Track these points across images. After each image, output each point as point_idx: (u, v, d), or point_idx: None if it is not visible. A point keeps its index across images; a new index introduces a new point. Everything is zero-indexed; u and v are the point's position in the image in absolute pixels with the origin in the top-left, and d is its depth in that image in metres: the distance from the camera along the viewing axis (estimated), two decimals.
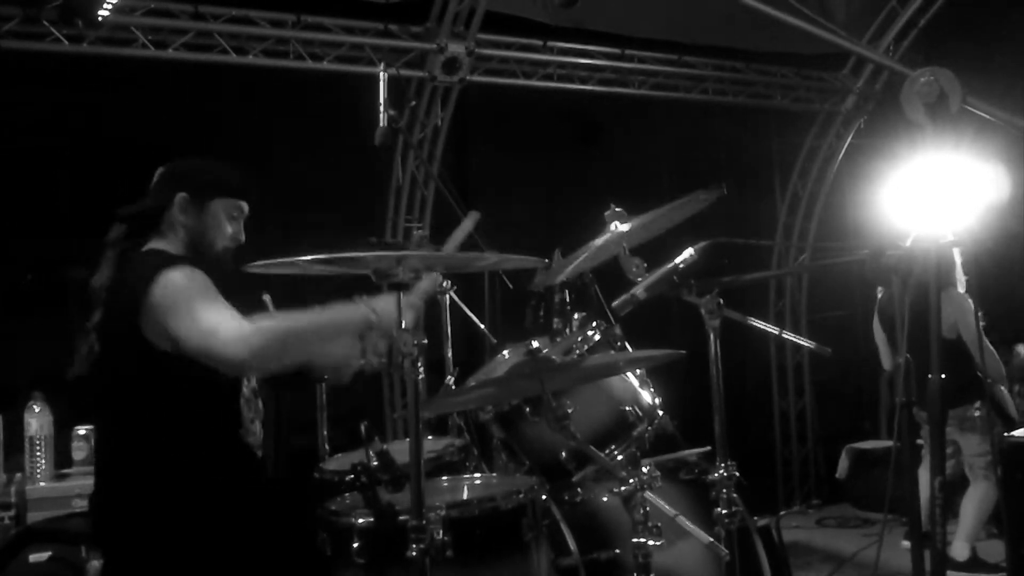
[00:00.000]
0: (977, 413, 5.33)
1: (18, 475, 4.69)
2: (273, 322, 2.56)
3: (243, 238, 2.89)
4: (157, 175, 2.90)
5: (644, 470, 2.48)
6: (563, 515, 2.89)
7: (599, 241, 3.06)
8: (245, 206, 2.89)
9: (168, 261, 2.64)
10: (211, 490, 2.63)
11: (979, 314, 5.26)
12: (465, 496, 2.78)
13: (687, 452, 3.36)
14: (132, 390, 2.64)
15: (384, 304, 2.55)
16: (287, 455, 4.33)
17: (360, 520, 2.47)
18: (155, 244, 2.78)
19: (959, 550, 5.31)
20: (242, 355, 2.43)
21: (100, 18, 5.10)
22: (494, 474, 3.18)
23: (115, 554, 2.70)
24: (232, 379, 2.71)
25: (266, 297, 4.24)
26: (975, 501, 5.34)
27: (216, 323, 2.46)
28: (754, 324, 4.46)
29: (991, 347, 5.32)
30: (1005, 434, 4.44)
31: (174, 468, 2.62)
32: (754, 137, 7.97)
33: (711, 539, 2.56)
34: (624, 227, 3.02)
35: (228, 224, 2.84)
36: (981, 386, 5.13)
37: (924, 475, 4.24)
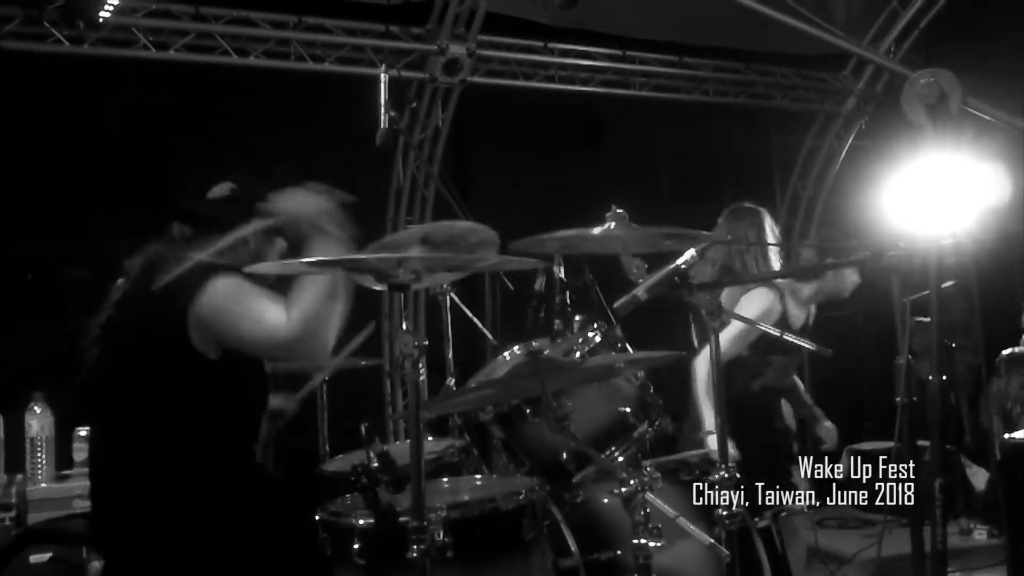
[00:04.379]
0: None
1: (19, 476, 4.69)
2: (304, 296, 2.56)
3: None
4: (230, 191, 2.83)
5: (644, 471, 2.47)
6: (563, 516, 2.89)
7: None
8: None
9: (209, 269, 2.62)
10: (213, 492, 2.64)
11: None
12: (465, 497, 2.78)
13: (688, 453, 3.36)
14: (150, 391, 2.62)
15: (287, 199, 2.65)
16: (287, 455, 4.33)
17: (360, 521, 2.46)
18: (200, 255, 2.70)
19: None
20: (296, 335, 2.51)
21: (101, 19, 5.10)
22: (494, 475, 3.18)
23: (116, 556, 2.70)
24: (259, 390, 2.73)
25: None
26: None
27: (277, 317, 2.52)
28: (754, 325, 4.43)
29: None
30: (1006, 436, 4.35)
31: (179, 471, 2.61)
32: (754, 137, 7.97)
33: (712, 540, 2.56)
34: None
35: None
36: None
37: None
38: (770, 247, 4.52)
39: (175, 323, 2.56)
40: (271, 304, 2.56)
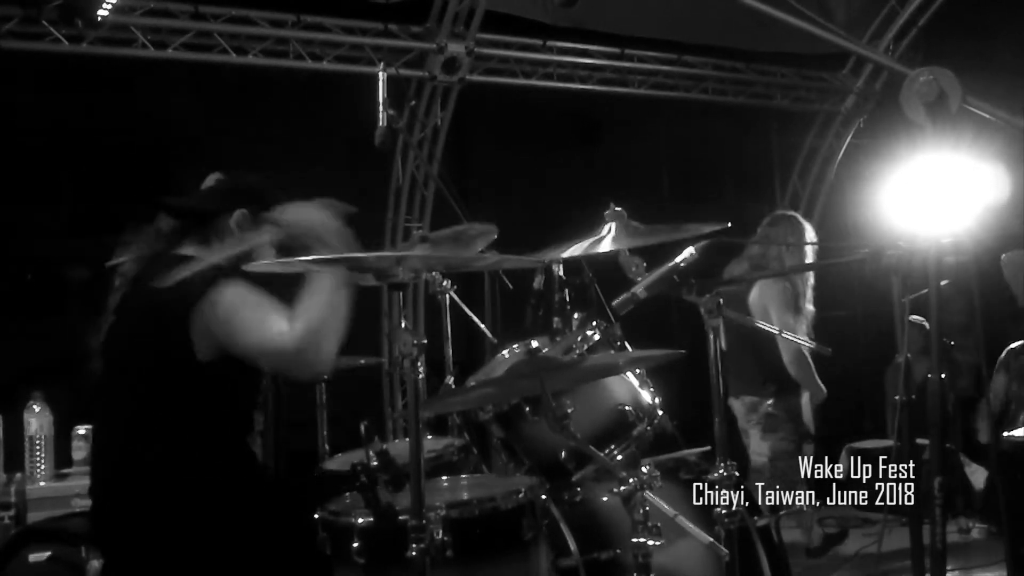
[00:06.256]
0: (769, 410, 4.89)
1: (18, 475, 4.68)
2: (307, 307, 2.55)
3: None
4: (215, 181, 2.88)
5: (644, 470, 2.47)
6: (563, 515, 2.88)
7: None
8: None
9: (217, 273, 2.62)
10: (213, 491, 2.63)
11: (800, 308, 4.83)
12: (465, 496, 2.78)
13: (687, 452, 3.36)
14: (152, 392, 2.63)
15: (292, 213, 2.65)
16: (287, 455, 4.33)
17: (360, 520, 2.46)
18: (193, 251, 2.73)
19: None
20: (298, 346, 2.49)
21: (100, 18, 5.10)
22: (494, 474, 3.17)
23: (116, 554, 2.70)
24: (256, 387, 2.73)
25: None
26: None
27: (280, 327, 2.51)
28: (754, 324, 4.45)
29: (803, 348, 4.70)
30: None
31: (180, 470, 2.61)
32: (754, 137, 7.97)
33: (711, 539, 2.56)
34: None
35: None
36: (786, 385, 4.82)
37: None
38: (807, 248, 4.77)
39: (178, 324, 2.56)
40: (275, 314, 2.55)
